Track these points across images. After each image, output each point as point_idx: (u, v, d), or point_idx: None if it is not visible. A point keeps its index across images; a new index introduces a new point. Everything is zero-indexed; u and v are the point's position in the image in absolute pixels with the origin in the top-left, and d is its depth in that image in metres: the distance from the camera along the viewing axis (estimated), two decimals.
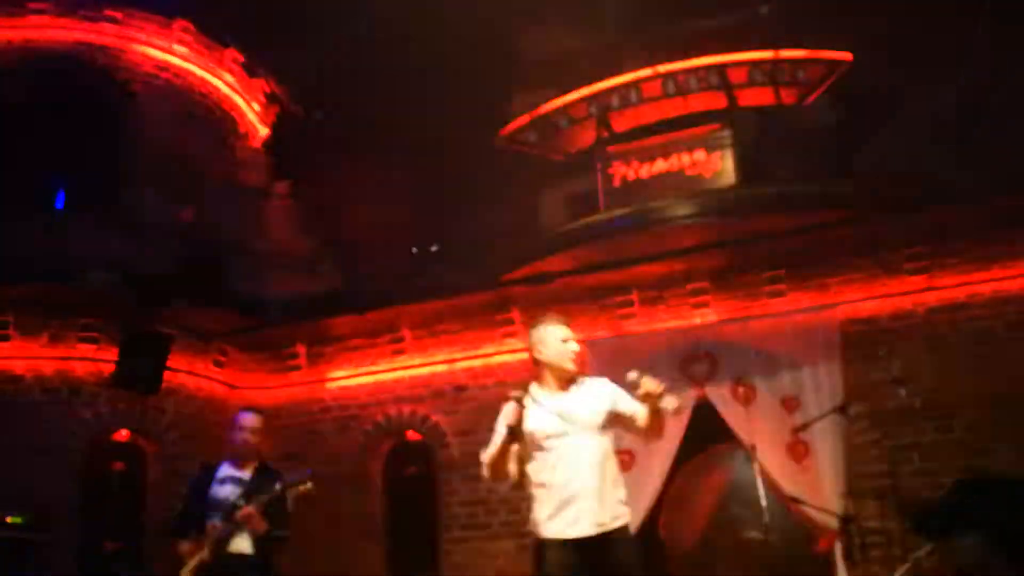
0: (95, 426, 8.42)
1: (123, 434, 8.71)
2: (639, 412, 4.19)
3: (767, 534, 6.62)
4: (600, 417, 4.15)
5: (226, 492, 5.53)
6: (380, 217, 8.98)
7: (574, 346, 4.31)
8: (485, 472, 4.22)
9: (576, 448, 4.06)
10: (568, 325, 4.35)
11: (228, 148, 10.16)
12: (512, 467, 4.15)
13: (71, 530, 7.99)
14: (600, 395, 4.28)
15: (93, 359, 8.47)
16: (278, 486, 5.44)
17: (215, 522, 5.43)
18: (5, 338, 8.28)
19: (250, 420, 5.77)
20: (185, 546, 5.49)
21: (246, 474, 5.61)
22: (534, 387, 4.26)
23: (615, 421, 4.23)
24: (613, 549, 4.01)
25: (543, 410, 4.16)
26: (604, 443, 4.13)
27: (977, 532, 1.85)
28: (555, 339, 4.30)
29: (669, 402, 4.20)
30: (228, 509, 5.41)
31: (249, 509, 5.33)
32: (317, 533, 8.78)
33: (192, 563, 5.41)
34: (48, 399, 8.31)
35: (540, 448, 4.11)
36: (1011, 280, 7.60)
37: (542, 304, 8.66)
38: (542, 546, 4.08)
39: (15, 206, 8.93)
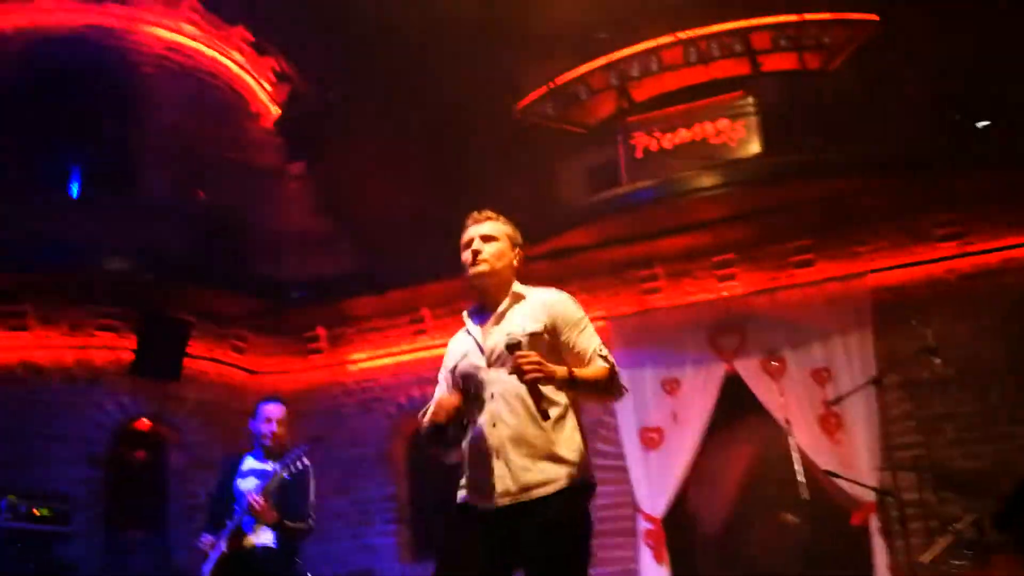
0: (116, 415, 8.36)
1: (144, 422, 8.64)
2: (585, 351, 3.22)
3: (803, 510, 6.51)
4: (510, 336, 3.09)
5: (248, 485, 5.47)
6: (397, 194, 8.82)
7: (478, 245, 3.30)
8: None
9: (499, 387, 3.14)
10: (480, 222, 3.35)
11: (240, 129, 10.02)
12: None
13: (95, 520, 7.94)
14: (537, 307, 3.26)
15: (112, 347, 8.38)
16: (275, 468, 5.33)
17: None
18: (23, 327, 8.18)
19: (276, 411, 5.69)
20: (207, 541, 5.44)
21: (270, 466, 5.53)
22: (466, 313, 3.43)
23: (558, 352, 3.19)
24: (531, 528, 3.03)
25: (468, 342, 3.33)
26: (511, 374, 3.05)
27: None
28: (461, 249, 3.38)
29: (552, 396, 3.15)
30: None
31: (255, 497, 5.23)
32: (342, 516, 8.74)
33: (214, 557, 5.36)
34: (69, 388, 8.22)
35: (464, 391, 3.25)
36: None
37: (564, 280, 8.52)
38: (455, 513, 3.22)
39: (29, 193, 8.83)
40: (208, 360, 8.90)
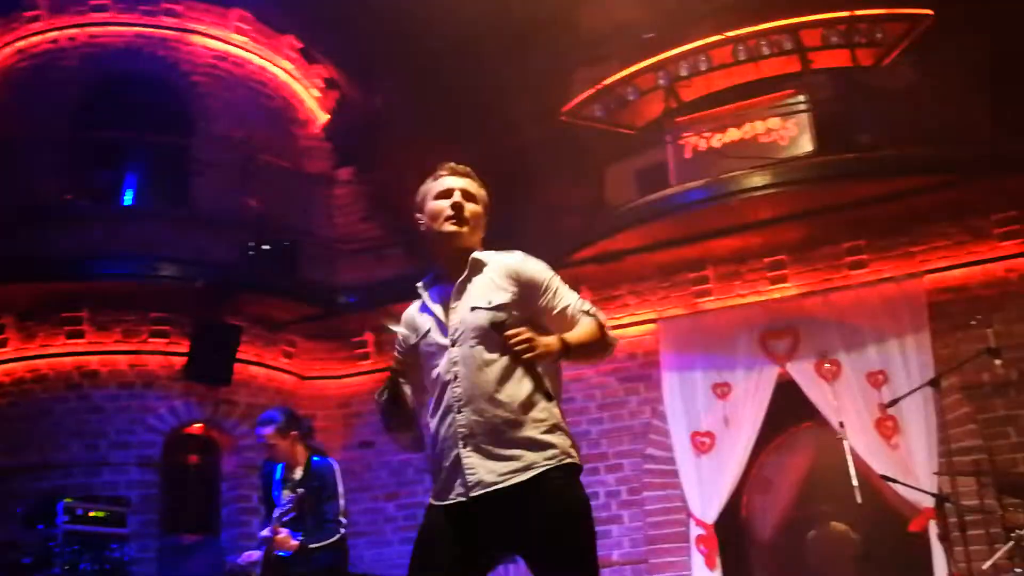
0: (170, 419, 8.46)
1: (197, 427, 8.75)
2: (570, 307, 2.93)
3: (859, 515, 6.38)
4: (492, 315, 2.80)
5: (283, 497, 5.58)
6: None
7: (457, 198, 2.94)
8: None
9: (464, 368, 2.82)
10: (461, 175, 3.02)
11: (290, 136, 10.11)
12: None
13: (150, 523, 8.05)
14: (501, 273, 2.91)
15: (165, 352, 8.50)
16: (290, 498, 5.43)
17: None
18: (80, 334, 8.35)
19: (264, 431, 5.75)
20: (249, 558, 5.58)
21: (298, 473, 5.64)
22: (421, 285, 3.04)
23: (537, 318, 2.91)
24: (517, 518, 2.71)
25: (426, 319, 2.96)
26: (505, 354, 2.78)
27: None
28: (431, 197, 2.99)
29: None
30: (285, 517, 5.44)
31: (275, 531, 5.38)
32: (392, 520, 8.76)
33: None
34: (124, 394, 8.37)
35: (425, 372, 2.93)
36: None
37: (613, 283, 8.49)
38: (425, 515, 2.90)
39: (84, 203, 9.02)
40: (258, 365, 8.98)
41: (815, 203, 7.57)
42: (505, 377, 2.78)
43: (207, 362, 8.37)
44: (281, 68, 10.24)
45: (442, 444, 2.83)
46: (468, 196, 2.98)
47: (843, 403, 7.30)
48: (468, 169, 3.06)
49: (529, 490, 2.71)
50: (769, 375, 7.73)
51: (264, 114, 9.90)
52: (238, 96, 9.75)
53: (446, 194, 2.96)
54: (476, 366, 2.80)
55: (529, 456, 2.74)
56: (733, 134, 7.67)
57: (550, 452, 2.77)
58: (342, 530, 5.48)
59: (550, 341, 2.77)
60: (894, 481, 6.65)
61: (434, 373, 2.88)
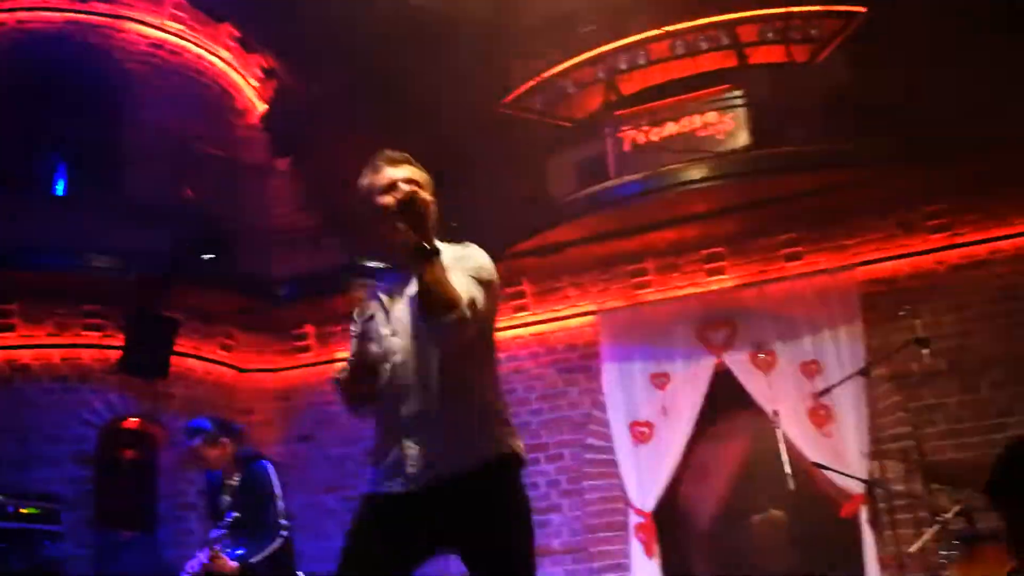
0: (104, 413, 8.31)
1: (133, 421, 8.60)
2: (463, 285, 2.78)
3: (792, 502, 6.51)
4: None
5: (224, 504, 5.55)
6: None
7: (403, 188, 2.84)
8: None
9: (403, 355, 2.82)
10: (398, 163, 2.96)
11: (227, 126, 9.96)
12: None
13: (84, 519, 7.91)
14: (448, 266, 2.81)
15: (100, 345, 8.34)
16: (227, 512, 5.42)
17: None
18: (10, 328, 8.15)
19: (192, 446, 5.71)
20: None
21: (235, 479, 5.61)
22: (377, 267, 3.04)
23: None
24: (456, 512, 2.70)
25: (374, 300, 2.97)
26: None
27: None
28: (376, 193, 2.93)
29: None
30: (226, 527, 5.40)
31: (211, 557, 5.33)
32: (335, 513, 8.71)
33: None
34: (57, 388, 8.19)
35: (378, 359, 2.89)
36: None
37: (553, 275, 8.53)
38: (361, 505, 2.87)
39: (13, 192, 8.77)
40: (196, 358, 8.86)
41: (751, 196, 7.69)
42: (447, 369, 2.76)
43: (143, 355, 8.23)
44: (219, 57, 10.07)
45: (385, 433, 2.82)
46: (411, 183, 2.90)
47: (778, 392, 7.45)
48: (406, 155, 3.00)
49: (469, 483, 2.71)
50: (706, 365, 7.85)
51: (200, 103, 9.73)
52: (174, 84, 9.57)
53: (388, 187, 2.90)
54: (418, 357, 2.79)
55: (472, 448, 2.74)
56: (671, 128, 7.74)
57: (492, 444, 2.78)
58: (284, 533, 5.41)
59: (428, 231, 2.69)
60: (826, 468, 6.80)
61: (380, 358, 2.86)
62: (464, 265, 2.84)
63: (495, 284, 2.89)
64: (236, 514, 5.34)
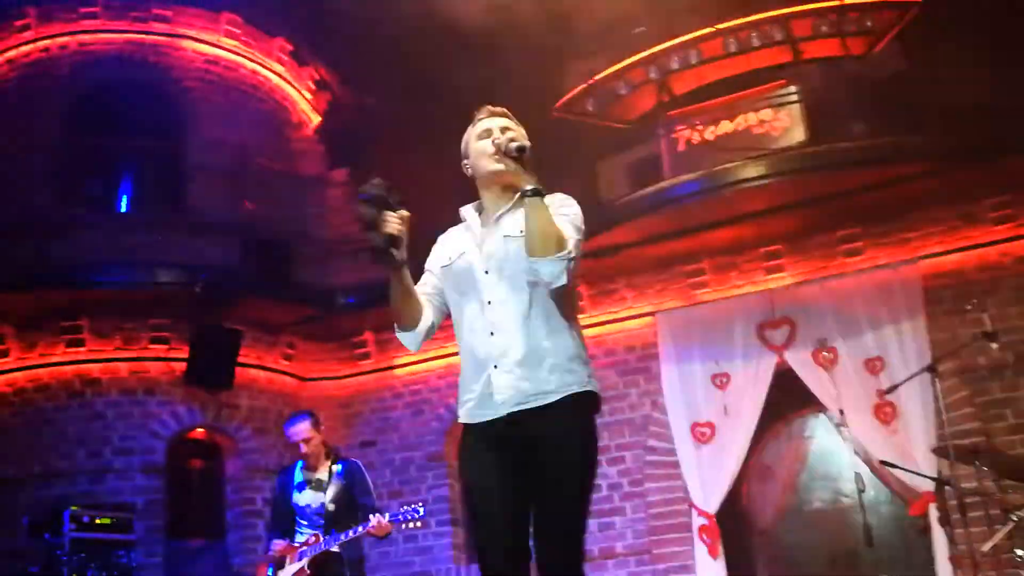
0: (172, 425, 8.49)
1: (199, 431, 8.77)
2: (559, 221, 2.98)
3: (859, 502, 6.43)
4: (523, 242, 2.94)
5: (308, 499, 5.69)
6: (439, 197, 8.83)
7: (498, 136, 3.05)
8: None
9: (497, 294, 3.00)
10: (498, 115, 3.17)
11: (283, 139, 10.12)
12: (415, 311, 3.10)
13: (155, 528, 8.09)
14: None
15: (166, 358, 8.53)
16: (325, 541, 5.63)
17: (310, 535, 5.55)
18: (80, 343, 8.37)
19: (297, 432, 5.87)
20: (279, 545, 5.64)
21: (322, 475, 5.75)
22: (467, 209, 3.21)
23: None
24: (542, 438, 2.91)
25: (466, 240, 3.13)
26: (539, 286, 2.96)
27: None
28: (475, 138, 3.16)
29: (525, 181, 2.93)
30: (317, 518, 5.52)
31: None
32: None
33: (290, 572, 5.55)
34: (125, 400, 8.40)
35: (458, 293, 3.10)
36: None
37: (610, 277, 8.53)
38: (463, 436, 3.10)
39: (79, 211, 9.02)
40: (259, 368, 9.01)
41: (809, 193, 7.60)
42: (539, 308, 2.96)
43: (207, 366, 8.39)
44: (272, 71, 10.25)
45: (474, 365, 3.01)
46: (508, 131, 3.10)
47: (841, 390, 7.35)
48: (504, 109, 3.20)
49: (552, 414, 2.91)
50: (767, 364, 7.78)
51: (257, 117, 9.90)
52: (230, 100, 9.77)
53: (486, 134, 3.11)
54: (508, 294, 2.98)
55: (556, 381, 2.94)
56: (726, 126, 7.69)
57: (573, 378, 2.96)
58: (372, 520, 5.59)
59: (529, 175, 2.91)
60: (893, 466, 6.71)
61: (466, 297, 3.05)
62: (561, 211, 3.03)
63: (583, 232, 3.09)
64: (332, 506, 5.52)
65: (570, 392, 2.94)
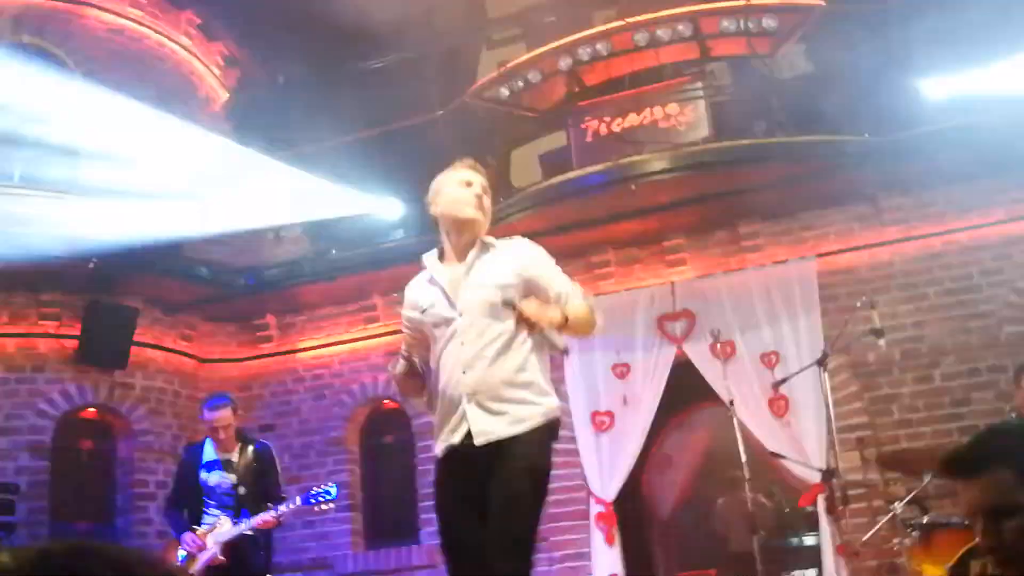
0: (62, 404, 8.21)
1: (90, 411, 8.51)
2: (562, 294, 3.47)
3: (753, 491, 6.58)
4: (501, 292, 3.31)
5: (217, 479, 5.62)
6: (347, 181, 8.74)
7: (477, 190, 3.42)
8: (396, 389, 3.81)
9: (465, 335, 3.34)
10: (480, 172, 3.55)
11: (189, 114, 9.84)
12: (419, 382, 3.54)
13: (40, 510, 7.82)
14: (509, 262, 3.45)
15: (57, 335, 8.24)
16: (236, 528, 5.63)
17: (219, 518, 5.46)
18: None
19: (218, 417, 5.79)
20: (192, 542, 5.55)
21: (233, 455, 5.69)
22: (429, 257, 3.51)
23: (532, 296, 3.44)
24: (501, 463, 3.25)
25: (433, 291, 3.45)
26: (507, 327, 3.31)
27: (1007, 468, 1.87)
28: (453, 183, 3.47)
29: (556, 339, 3.50)
30: (226, 498, 5.44)
31: (217, 556, 5.56)
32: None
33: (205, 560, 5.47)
34: (12, 378, 8.08)
35: (432, 338, 3.43)
36: (987, 228, 7.56)
37: None
38: (437, 469, 3.47)
39: None
40: (156, 348, 8.77)
41: (711, 188, 7.73)
42: (505, 345, 3.32)
43: (101, 344, 8.15)
44: (179, 44, 9.97)
45: (449, 402, 3.35)
46: (485, 190, 3.51)
47: (737, 382, 7.50)
48: (481, 167, 3.61)
49: (517, 442, 3.29)
50: (667, 356, 7.89)
51: (162, 90, 9.61)
52: (134, 71, 9.46)
53: (468, 183, 3.47)
54: (480, 335, 3.32)
55: (524, 412, 3.32)
56: (633, 119, 7.76)
57: (540, 409, 3.36)
58: (282, 507, 5.64)
59: (554, 315, 3.32)
60: (784, 457, 6.88)
61: (441, 341, 3.38)
62: (544, 265, 3.51)
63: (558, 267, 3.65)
64: (242, 488, 5.47)
65: (535, 423, 3.33)
